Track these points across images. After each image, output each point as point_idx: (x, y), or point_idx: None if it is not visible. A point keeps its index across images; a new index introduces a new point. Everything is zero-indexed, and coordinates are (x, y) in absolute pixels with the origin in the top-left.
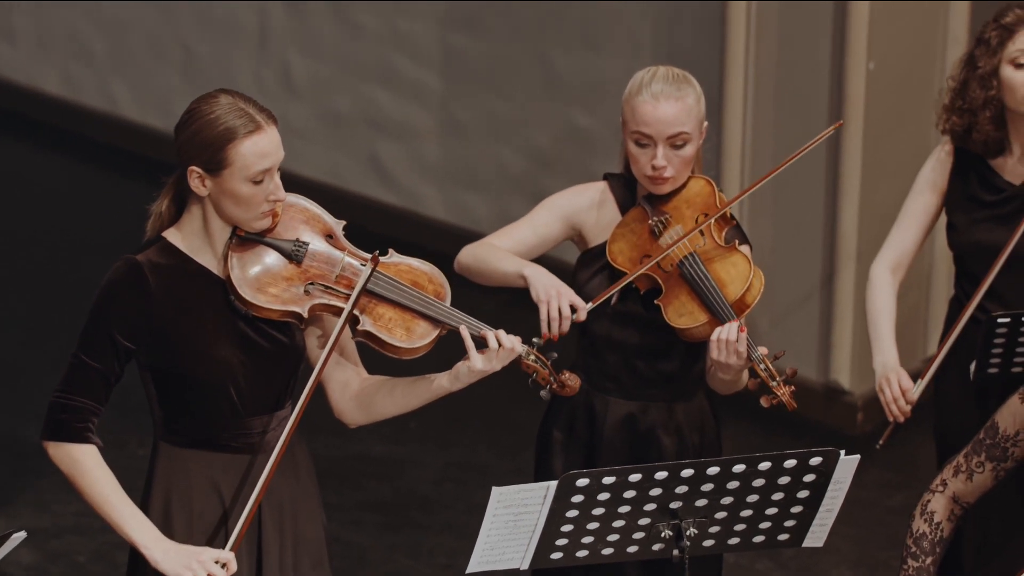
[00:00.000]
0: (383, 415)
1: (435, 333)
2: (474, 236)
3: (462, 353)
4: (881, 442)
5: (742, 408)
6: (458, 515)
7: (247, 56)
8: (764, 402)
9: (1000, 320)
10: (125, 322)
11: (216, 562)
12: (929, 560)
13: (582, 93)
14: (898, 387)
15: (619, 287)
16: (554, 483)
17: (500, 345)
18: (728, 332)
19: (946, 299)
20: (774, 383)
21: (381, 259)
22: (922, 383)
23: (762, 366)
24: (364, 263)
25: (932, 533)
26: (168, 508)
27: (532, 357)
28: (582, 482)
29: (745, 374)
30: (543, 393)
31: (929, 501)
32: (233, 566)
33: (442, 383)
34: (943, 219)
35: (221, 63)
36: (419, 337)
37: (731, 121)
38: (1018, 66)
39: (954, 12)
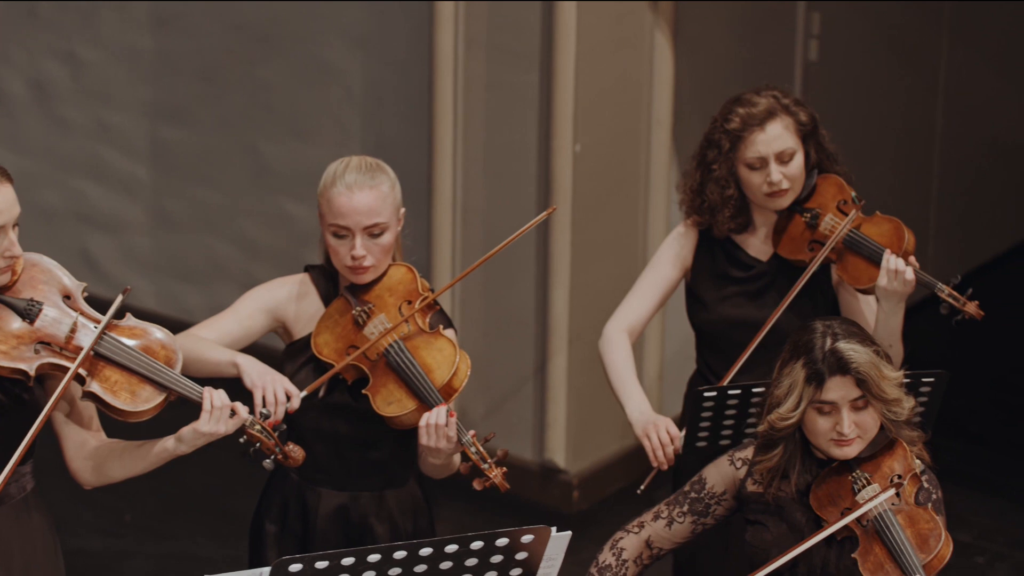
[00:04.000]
0: (114, 478)
1: (160, 398)
2: (186, 325)
3: None
4: (643, 487)
5: (458, 490)
6: None
7: None
8: (477, 485)
9: (706, 394)
10: None
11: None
12: None
13: (292, 183)
14: (666, 434)
15: (329, 376)
16: (267, 569)
17: (230, 409)
18: (437, 417)
19: (657, 376)
20: (485, 465)
21: (117, 323)
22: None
23: (473, 449)
24: (97, 325)
25: (617, 568)
26: None
27: (258, 427)
28: (295, 568)
29: (457, 457)
30: (267, 463)
31: (622, 539)
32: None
33: (166, 446)
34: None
35: None
36: (144, 401)
37: (440, 207)
38: (752, 168)
39: (657, 95)
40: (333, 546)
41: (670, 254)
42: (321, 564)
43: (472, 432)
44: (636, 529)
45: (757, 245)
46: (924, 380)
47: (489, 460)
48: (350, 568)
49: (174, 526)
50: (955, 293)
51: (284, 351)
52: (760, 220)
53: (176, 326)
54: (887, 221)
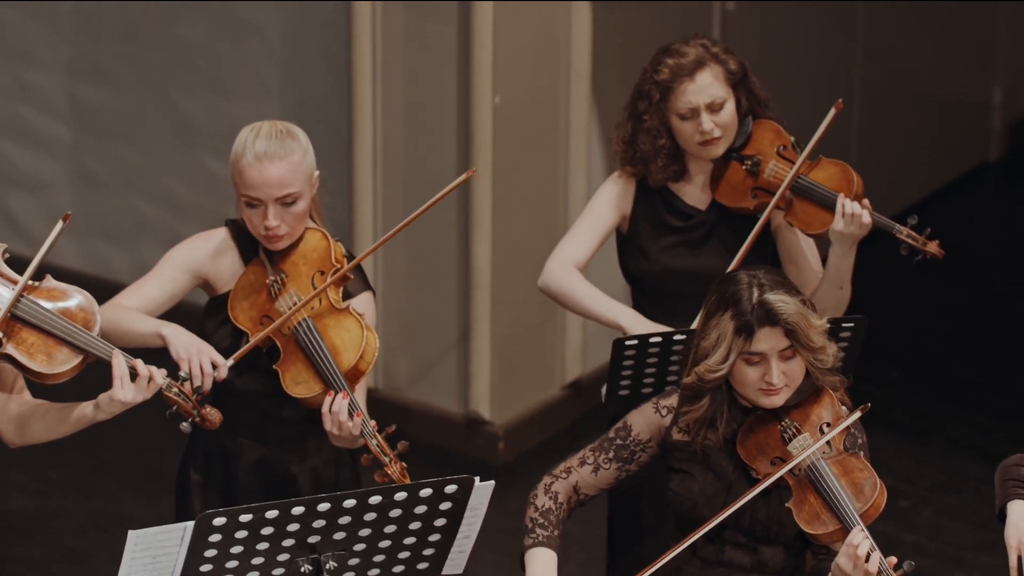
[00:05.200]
0: (37, 439)
1: (77, 360)
2: (111, 285)
3: None
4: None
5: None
6: (104, 564)
7: None
8: (377, 477)
9: (627, 343)
10: None
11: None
12: (557, 532)
13: (214, 140)
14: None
15: (248, 349)
16: (191, 523)
17: (147, 376)
18: (337, 406)
19: (581, 327)
20: (386, 459)
21: (36, 285)
22: None
23: (373, 442)
24: (14, 287)
25: (557, 511)
26: None
27: (175, 390)
28: (219, 521)
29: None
30: (184, 425)
31: (553, 483)
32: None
33: (86, 411)
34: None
35: None
36: (60, 364)
37: (361, 162)
38: (684, 118)
39: (576, 47)
40: (256, 497)
41: (608, 199)
42: (245, 517)
43: (374, 423)
44: (564, 475)
45: (695, 194)
46: (844, 326)
47: (390, 454)
48: (274, 521)
49: (101, 484)
50: (913, 234)
51: (205, 306)
52: (695, 168)
53: (101, 286)
54: (834, 165)
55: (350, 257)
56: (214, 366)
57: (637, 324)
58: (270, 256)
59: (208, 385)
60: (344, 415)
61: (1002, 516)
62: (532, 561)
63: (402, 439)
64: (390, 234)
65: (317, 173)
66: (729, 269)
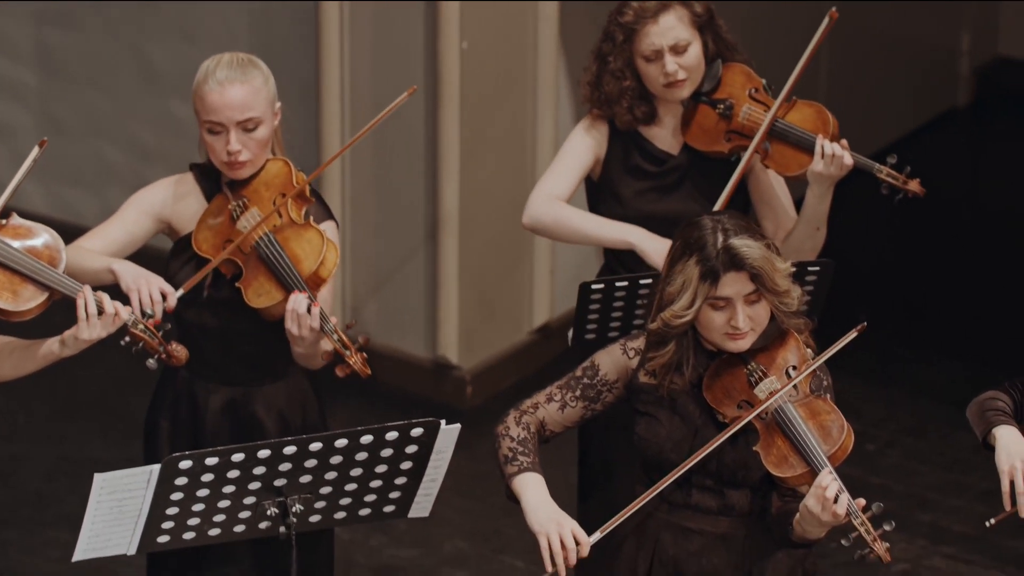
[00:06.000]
0: (5, 376)
1: (43, 298)
2: (78, 230)
3: None
4: None
5: (351, 388)
6: (72, 508)
7: None
8: (339, 371)
9: (594, 286)
10: None
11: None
12: (537, 459)
13: (180, 85)
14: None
15: (204, 273)
16: (157, 467)
17: (113, 312)
18: (296, 304)
19: (549, 271)
20: (347, 352)
21: (3, 222)
22: None
23: (335, 336)
24: None
25: (531, 441)
26: None
27: (141, 326)
28: (185, 464)
29: (323, 346)
30: (150, 362)
31: (522, 417)
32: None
33: (52, 348)
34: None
35: None
36: (26, 301)
37: (328, 107)
38: (648, 60)
39: None
40: (224, 441)
41: (583, 140)
42: (211, 460)
43: (335, 320)
44: (532, 410)
45: (666, 139)
46: (810, 269)
47: (351, 346)
48: (240, 464)
49: (68, 428)
50: (894, 173)
51: (170, 249)
52: (666, 113)
53: (67, 231)
54: (808, 106)
55: (314, 190)
56: (164, 296)
57: (646, 241)
58: (232, 187)
59: (158, 313)
60: (303, 308)
61: (987, 446)
62: (524, 487)
63: (363, 333)
64: (337, 153)
65: (279, 104)
66: (719, 208)
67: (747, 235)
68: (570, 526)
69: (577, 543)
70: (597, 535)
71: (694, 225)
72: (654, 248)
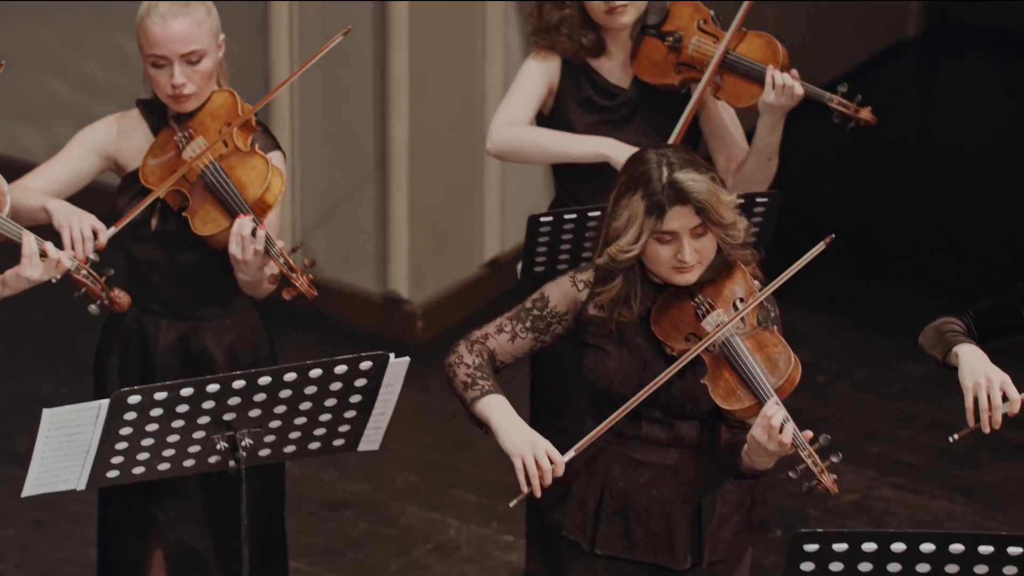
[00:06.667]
0: None
1: None
2: (25, 166)
3: None
4: None
5: (301, 322)
6: (22, 445)
7: None
8: (286, 295)
9: (542, 219)
10: None
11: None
12: (496, 383)
13: (128, 19)
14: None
15: (145, 204)
16: (106, 402)
17: (55, 258)
18: (240, 227)
19: (499, 205)
20: (293, 275)
21: None
22: None
23: (280, 259)
24: None
25: (487, 366)
26: None
27: (83, 272)
28: (134, 399)
29: (268, 270)
30: (92, 308)
31: (473, 346)
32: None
33: None
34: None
35: None
36: None
37: (277, 42)
38: None
39: None
40: (174, 377)
41: (537, 70)
42: (160, 395)
43: (281, 243)
44: (482, 340)
45: (616, 72)
46: (759, 200)
47: (297, 269)
48: (189, 398)
49: (17, 365)
50: (845, 101)
51: (118, 185)
52: (615, 46)
53: (15, 167)
54: (758, 37)
55: (260, 121)
56: (96, 234)
57: (620, 151)
58: (179, 119)
59: (88, 250)
60: (247, 231)
61: (947, 366)
62: (491, 409)
63: (308, 256)
64: (280, 85)
65: (223, 36)
66: (675, 140)
67: (692, 168)
68: (544, 447)
69: (552, 463)
70: (571, 453)
71: (639, 159)
72: (626, 157)
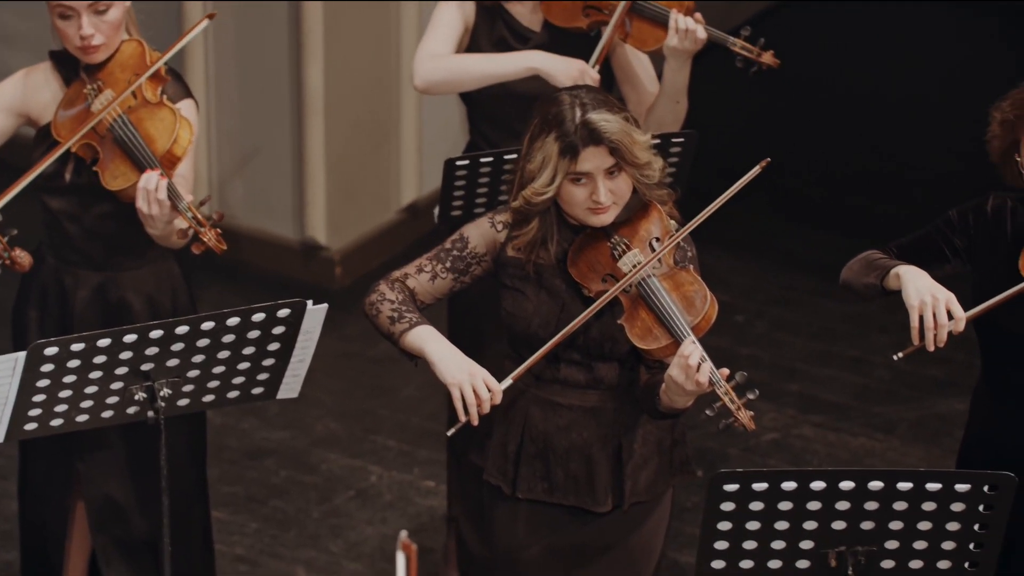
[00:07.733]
0: None
1: None
2: None
3: None
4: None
5: (218, 272)
6: None
7: None
8: (195, 249)
9: (458, 163)
10: None
11: None
12: (421, 315)
13: None
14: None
15: (52, 158)
16: (22, 354)
17: None
18: (147, 182)
19: (416, 150)
20: (201, 229)
21: None
22: None
23: (188, 213)
24: None
25: (411, 301)
26: None
27: None
28: (51, 351)
29: (177, 224)
30: None
31: (395, 284)
32: None
33: None
34: None
35: None
36: None
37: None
38: None
39: None
40: (93, 328)
41: (454, 8)
42: (77, 346)
43: (189, 198)
44: (402, 278)
45: (526, 15)
46: (674, 140)
47: (205, 223)
48: (106, 349)
49: None
50: (748, 45)
51: (33, 139)
52: None
53: None
54: None
55: (171, 69)
56: None
57: (549, 62)
58: (89, 71)
59: None
60: (153, 185)
61: (885, 291)
62: (423, 340)
63: (217, 210)
64: (180, 39)
65: None
66: None
67: (605, 109)
68: (481, 375)
69: (490, 391)
70: (508, 381)
71: (552, 101)
72: (557, 68)
